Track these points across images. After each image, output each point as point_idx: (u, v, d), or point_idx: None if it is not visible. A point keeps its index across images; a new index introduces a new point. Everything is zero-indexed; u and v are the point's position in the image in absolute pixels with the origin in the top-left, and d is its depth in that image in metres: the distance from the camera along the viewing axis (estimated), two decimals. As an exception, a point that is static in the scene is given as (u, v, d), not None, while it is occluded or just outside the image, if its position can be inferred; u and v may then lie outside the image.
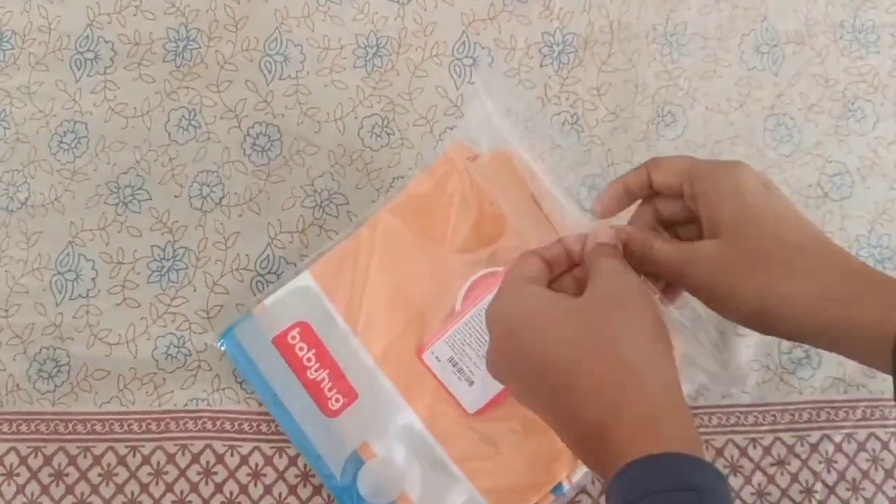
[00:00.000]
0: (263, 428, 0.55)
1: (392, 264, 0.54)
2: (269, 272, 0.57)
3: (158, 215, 0.58)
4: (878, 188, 0.60)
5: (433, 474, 0.51)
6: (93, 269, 0.58)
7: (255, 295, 0.57)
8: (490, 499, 0.51)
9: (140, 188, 0.59)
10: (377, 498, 0.50)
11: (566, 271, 0.44)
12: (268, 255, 0.58)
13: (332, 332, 0.53)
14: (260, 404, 0.55)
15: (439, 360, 0.52)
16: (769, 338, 0.57)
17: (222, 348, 0.54)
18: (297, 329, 0.53)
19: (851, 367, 0.57)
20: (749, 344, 0.57)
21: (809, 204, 0.60)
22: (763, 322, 0.41)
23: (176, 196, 0.59)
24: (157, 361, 0.56)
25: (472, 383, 0.52)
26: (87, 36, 0.61)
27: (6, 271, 0.58)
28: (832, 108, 0.61)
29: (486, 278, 0.53)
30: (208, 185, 0.59)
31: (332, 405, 0.52)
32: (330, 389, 0.52)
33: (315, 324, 0.53)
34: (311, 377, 0.52)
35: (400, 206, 0.55)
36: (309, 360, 0.53)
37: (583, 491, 0.54)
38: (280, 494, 0.54)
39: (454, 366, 0.52)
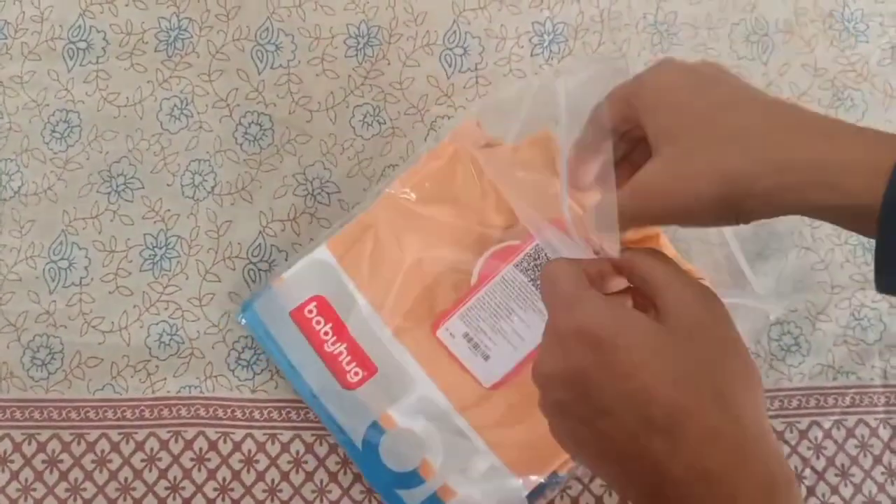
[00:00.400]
0: (256, 415, 0.55)
1: (407, 239, 0.54)
2: (261, 260, 0.58)
3: (151, 204, 0.59)
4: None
5: (455, 442, 0.52)
6: (86, 257, 0.58)
7: (246, 283, 0.57)
8: (512, 466, 0.51)
9: (132, 177, 0.59)
10: (399, 465, 0.51)
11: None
12: (259, 244, 0.58)
13: (349, 306, 0.54)
14: (252, 391, 0.56)
15: (454, 336, 0.53)
16: (759, 325, 0.57)
17: (242, 322, 0.55)
18: (314, 303, 0.54)
19: (840, 355, 0.58)
20: (739, 331, 0.57)
21: (799, 192, 0.60)
22: (732, 218, 0.36)
23: (168, 185, 0.59)
24: (149, 349, 0.56)
25: (487, 358, 0.53)
26: (80, 26, 0.61)
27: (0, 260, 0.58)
28: (822, 97, 0.61)
29: (503, 252, 0.54)
30: (200, 174, 0.59)
31: (351, 378, 0.53)
32: (349, 363, 0.53)
33: (331, 298, 0.54)
34: (329, 350, 0.53)
35: (412, 183, 0.55)
36: (326, 333, 0.53)
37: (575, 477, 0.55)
38: (273, 481, 0.54)
39: (469, 341, 0.53)
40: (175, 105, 0.60)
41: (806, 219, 0.60)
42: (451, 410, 0.52)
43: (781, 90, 0.61)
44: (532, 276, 0.54)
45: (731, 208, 0.35)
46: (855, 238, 0.59)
